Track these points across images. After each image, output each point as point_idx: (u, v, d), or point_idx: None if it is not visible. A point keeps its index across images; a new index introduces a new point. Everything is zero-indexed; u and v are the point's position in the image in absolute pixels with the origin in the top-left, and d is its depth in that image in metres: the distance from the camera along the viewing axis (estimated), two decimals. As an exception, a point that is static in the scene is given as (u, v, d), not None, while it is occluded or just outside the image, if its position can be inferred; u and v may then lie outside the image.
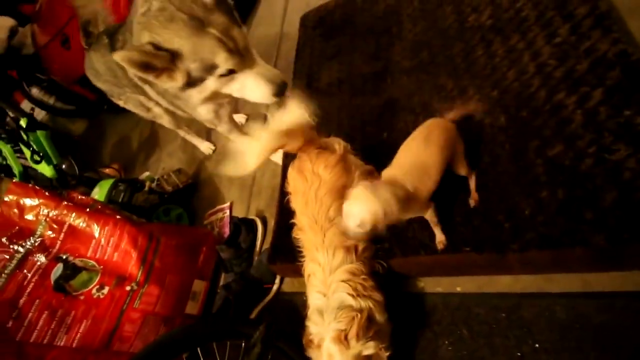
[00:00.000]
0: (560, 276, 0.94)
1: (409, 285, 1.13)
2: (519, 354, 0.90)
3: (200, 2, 0.89)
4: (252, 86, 1.01)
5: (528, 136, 1.02)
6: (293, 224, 1.11)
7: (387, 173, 0.92)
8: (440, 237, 0.99)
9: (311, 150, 1.05)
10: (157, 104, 1.45)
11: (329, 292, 0.93)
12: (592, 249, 0.82)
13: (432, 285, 1.10)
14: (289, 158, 1.62)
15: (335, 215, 0.97)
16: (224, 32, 0.88)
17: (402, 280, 1.14)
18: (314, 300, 0.96)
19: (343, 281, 0.92)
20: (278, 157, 1.68)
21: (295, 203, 1.07)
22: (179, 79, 0.91)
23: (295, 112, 0.97)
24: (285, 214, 1.47)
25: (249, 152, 0.99)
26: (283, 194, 1.53)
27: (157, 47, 0.87)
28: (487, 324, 0.97)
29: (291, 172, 1.10)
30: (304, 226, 1.03)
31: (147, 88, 1.24)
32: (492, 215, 0.96)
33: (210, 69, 0.91)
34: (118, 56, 0.87)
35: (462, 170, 1.00)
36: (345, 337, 0.84)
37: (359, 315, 0.86)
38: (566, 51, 1.11)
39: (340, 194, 0.98)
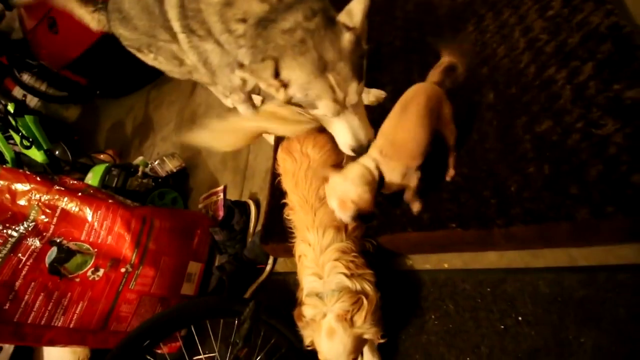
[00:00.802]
0: (546, 251, 0.96)
1: (398, 263, 1.15)
2: (502, 326, 0.92)
3: (339, 46, 0.84)
4: (338, 131, 0.96)
5: (516, 112, 1.01)
6: (285, 204, 1.11)
7: (372, 148, 0.92)
8: (416, 206, 1.02)
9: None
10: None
11: (324, 274, 0.92)
12: (577, 223, 0.83)
13: (421, 262, 1.11)
14: (279, 139, 1.63)
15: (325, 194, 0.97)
16: (340, 82, 0.85)
17: (391, 259, 1.16)
18: (309, 283, 0.95)
19: (335, 260, 0.93)
20: (270, 137, 1.67)
21: (286, 183, 1.08)
22: (281, 97, 0.89)
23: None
24: (276, 195, 1.48)
25: (235, 130, 1.03)
26: (275, 174, 1.54)
27: (276, 71, 0.84)
28: (472, 298, 0.98)
29: (280, 153, 1.10)
30: (294, 206, 1.04)
31: (182, 37, 1.09)
32: (479, 192, 0.96)
33: (310, 105, 0.89)
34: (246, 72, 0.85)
35: (450, 136, 0.99)
36: (351, 318, 0.85)
37: (367, 301, 0.86)
38: (558, 24, 1.08)
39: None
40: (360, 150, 0.95)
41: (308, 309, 0.92)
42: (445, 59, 1.00)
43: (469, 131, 1.07)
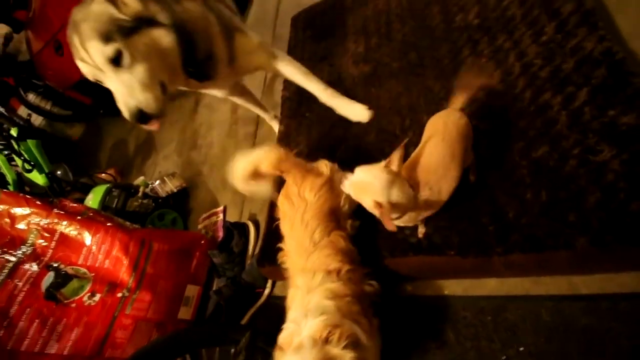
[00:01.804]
0: (547, 278, 0.94)
1: (398, 289, 1.13)
2: (504, 357, 0.90)
3: None
4: (113, 90, 0.91)
5: (513, 138, 1.01)
6: (280, 249, 1.08)
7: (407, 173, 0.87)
8: (421, 229, 1.01)
9: (297, 174, 1.05)
10: None
11: (308, 304, 0.83)
12: (576, 252, 0.81)
13: (421, 288, 1.09)
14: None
15: (320, 238, 0.96)
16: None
17: (391, 284, 1.14)
18: (291, 315, 0.87)
19: (324, 299, 0.83)
20: (275, 126, 1.65)
21: (283, 227, 1.06)
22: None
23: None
24: (275, 217, 1.48)
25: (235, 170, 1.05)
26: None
27: None
28: (473, 326, 0.96)
29: (280, 198, 1.09)
30: (289, 250, 1.02)
31: None
32: (477, 218, 0.95)
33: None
34: None
35: (468, 162, 0.95)
36: (326, 337, 0.74)
37: (345, 329, 0.76)
38: (552, 50, 1.10)
39: (327, 217, 0.99)
40: (139, 116, 0.88)
41: (282, 334, 0.83)
42: (470, 85, 0.96)
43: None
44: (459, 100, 0.95)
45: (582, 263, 0.85)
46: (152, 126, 0.98)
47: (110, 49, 0.85)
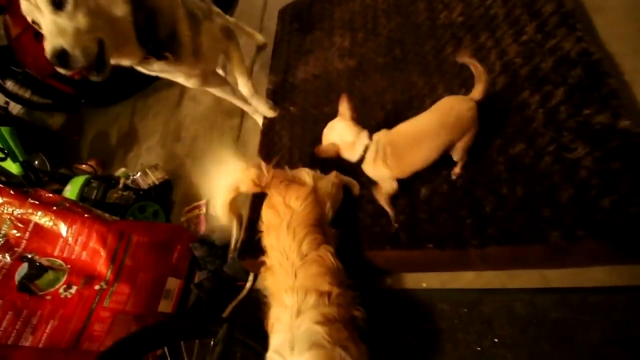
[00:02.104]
0: (521, 272, 0.97)
1: (377, 281, 1.14)
2: (478, 348, 0.92)
3: None
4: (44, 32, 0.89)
5: (492, 134, 1.03)
6: (262, 262, 1.01)
7: (379, 135, 0.97)
8: (391, 212, 1.06)
9: (280, 185, 1.02)
10: None
11: (296, 340, 0.78)
12: (549, 246, 0.84)
13: (400, 281, 1.11)
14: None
15: (308, 251, 0.91)
16: None
17: (370, 277, 1.15)
18: (277, 339, 0.81)
19: (314, 324, 0.79)
20: (259, 119, 1.68)
21: (267, 239, 1.00)
22: None
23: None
24: (257, 210, 1.47)
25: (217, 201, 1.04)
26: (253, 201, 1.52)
27: None
28: (450, 319, 0.98)
29: (263, 209, 1.04)
30: (273, 265, 0.94)
31: None
32: (456, 212, 0.97)
33: None
34: None
35: (458, 155, 0.96)
36: None
37: None
38: (532, 49, 1.12)
39: (314, 227, 0.95)
40: (60, 55, 0.86)
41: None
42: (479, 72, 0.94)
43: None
44: (477, 91, 0.93)
45: (555, 257, 0.87)
46: (70, 73, 0.93)
47: None
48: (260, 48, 2.16)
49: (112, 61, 1.02)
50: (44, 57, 2.52)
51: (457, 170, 1.03)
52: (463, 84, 1.18)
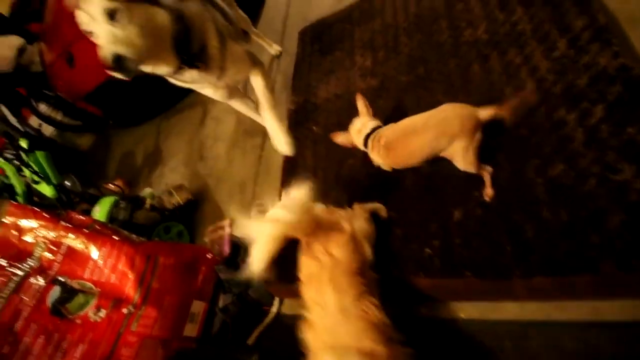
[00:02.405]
0: (569, 303, 0.90)
1: (409, 309, 1.09)
2: (524, 386, 0.86)
3: None
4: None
5: (527, 154, 0.99)
6: (300, 317, 0.97)
7: (382, 129, 1.12)
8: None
9: (318, 232, 0.96)
10: None
11: None
12: (601, 276, 0.78)
13: (434, 310, 1.06)
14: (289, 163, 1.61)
15: (351, 304, 0.84)
16: None
17: (403, 305, 1.10)
18: None
19: None
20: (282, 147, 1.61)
21: (307, 291, 0.94)
22: None
23: (298, 198, 0.92)
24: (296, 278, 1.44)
25: (256, 255, 0.90)
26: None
27: None
28: (492, 354, 0.92)
29: (303, 259, 0.98)
30: (314, 321, 0.88)
31: None
32: (493, 237, 0.93)
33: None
34: None
35: (460, 164, 1.00)
36: None
37: None
38: (565, 65, 1.08)
39: (356, 277, 0.89)
40: (117, 60, 0.95)
41: None
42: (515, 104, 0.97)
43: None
44: (489, 111, 0.96)
45: (608, 288, 0.82)
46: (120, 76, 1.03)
47: (109, 4, 0.96)
48: (276, 57, 2.36)
49: (152, 69, 1.16)
50: (75, 82, 2.68)
51: (488, 190, 0.99)
52: (492, 103, 1.14)
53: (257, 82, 1.45)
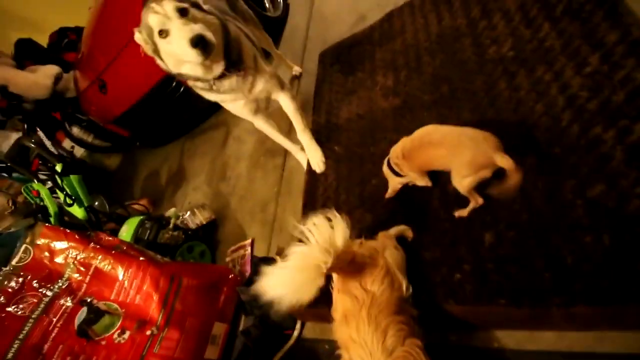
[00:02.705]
0: (613, 334, 0.83)
1: (438, 337, 1.04)
2: None
3: None
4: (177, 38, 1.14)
5: (563, 174, 0.94)
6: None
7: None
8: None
9: (352, 267, 0.91)
10: None
11: None
12: (650, 306, 0.72)
13: (466, 338, 1.00)
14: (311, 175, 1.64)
15: (395, 346, 0.78)
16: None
17: (432, 331, 1.05)
18: None
19: None
20: (303, 159, 1.72)
21: (345, 329, 0.86)
22: None
23: (340, 230, 0.84)
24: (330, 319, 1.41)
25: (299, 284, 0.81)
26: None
27: None
28: (530, 386, 0.86)
29: (337, 295, 0.93)
30: None
31: None
32: (530, 262, 0.88)
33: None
34: None
35: (461, 189, 1.00)
36: None
37: None
38: (599, 81, 1.04)
39: (397, 315, 0.84)
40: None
41: None
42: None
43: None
44: (507, 163, 0.89)
45: (658, 319, 0.75)
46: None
47: (179, 4, 1.12)
48: (296, 77, 2.42)
49: (205, 71, 1.26)
50: (106, 107, 2.84)
51: (462, 212, 1.05)
52: (522, 121, 1.11)
53: (288, 104, 1.56)
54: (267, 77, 1.45)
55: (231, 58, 1.28)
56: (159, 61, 1.27)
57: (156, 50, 1.21)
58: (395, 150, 1.17)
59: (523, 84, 1.18)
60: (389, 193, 1.27)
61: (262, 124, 1.68)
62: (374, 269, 0.91)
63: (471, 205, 1.04)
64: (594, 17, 1.15)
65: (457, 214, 1.07)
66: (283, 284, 0.80)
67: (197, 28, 1.10)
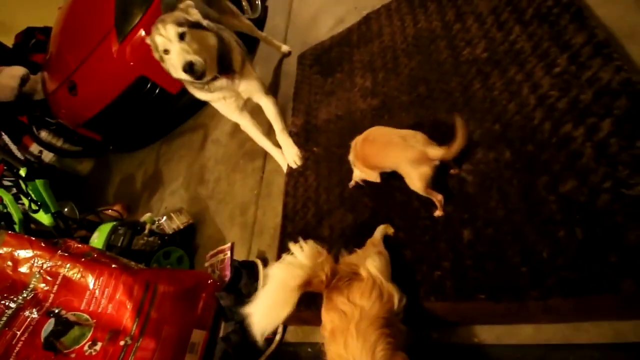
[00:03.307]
0: (588, 324, 0.86)
1: (419, 335, 1.04)
2: (549, 418, 0.80)
3: None
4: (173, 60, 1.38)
5: (536, 171, 0.97)
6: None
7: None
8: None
9: (338, 284, 0.89)
10: None
11: None
12: (622, 295, 0.74)
13: (447, 335, 1.01)
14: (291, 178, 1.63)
15: None
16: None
17: (414, 329, 1.05)
18: None
19: None
20: (283, 161, 1.75)
21: (333, 346, 0.84)
22: None
23: (307, 249, 0.89)
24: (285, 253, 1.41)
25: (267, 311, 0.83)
26: (284, 232, 1.48)
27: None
28: (510, 380, 0.87)
29: (325, 313, 0.90)
30: None
31: None
32: (507, 258, 0.89)
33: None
34: None
35: (415, 189, 1.07)
36: None
37: None
38: (567, 81, 1.08)
39: (385, 328, 0.82)
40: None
41: None
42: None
43: (489, 189, 1.02)
44: (445, 152, 0.99)
45: (629, 307, 0.77)
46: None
47: (180, 29, 1.33)
48: (285, 56, 2.49)
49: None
50: (76, 109, 2.79)
51: (437, 212, 1.07)
52: (496, 120, 1.14)
53: (269, 107, 1.70)
54: (251, 78, 1.62)
55: (224, 64, 1.49)
56: (163, 65, 1.46)
57: (162, 59, 1.43)
58: (351, 148, 1.26)
59: (496, 84, 1.21)
60: (351, 183, 1.35)
61: (247, 124, 1.75)
62: (360, 283, 0.89)
63: (437, 203, 1.07)
64: (561, 20, 1.19)
65: (435, 214, 1.08)
66: (264, 307, 0.82)
67: (189, 57, 1.32)
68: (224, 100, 1.63)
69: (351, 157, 1.27)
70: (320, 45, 2.12)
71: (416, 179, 1.03)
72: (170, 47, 1.34)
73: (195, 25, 1.38)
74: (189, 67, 1.32)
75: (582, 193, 0.88)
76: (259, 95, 1.68)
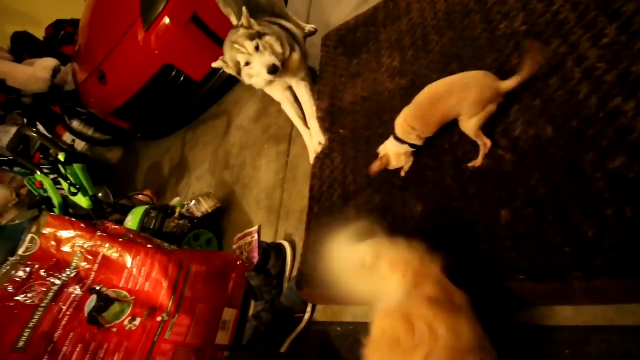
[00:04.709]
0: (633, 306, 0.81)
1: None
2: (592, 400, 0.78)
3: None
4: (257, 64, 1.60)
5: (582, 148, 0.92)
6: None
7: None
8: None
9: (433, 291, 0.73)
10: None
11: None
12: (676, 277, 0.70)
13: (481, 317, 0.99)
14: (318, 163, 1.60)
15: None
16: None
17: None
18: None
19: None
20: (311, 145, 1.76)
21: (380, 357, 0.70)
22: None
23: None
24: (313, 236, 1.42)
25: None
26: (311, 213, 1.49)
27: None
28: (549, 362, 0.85)
29: (386, 316, 0.74)
30: None
31: None
32: (549, 239, 0.85)
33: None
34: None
35: (470, 133, 1.07)
36: None
37: None
38: (617, 52, 1.00)
39: None
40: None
41: None
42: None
43: (529, 167, 0.98)
44: (518, 79, 1.01)
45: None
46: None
47: (254, 43, 1.56)
48: (310, 34, 2.46)
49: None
50: (105, 99, 2.92)
51: (477, 161, 1.07)
52: (536, 95, 1.08)
53: (302, 92, 1.82)
54: (297, 63, 1.75)
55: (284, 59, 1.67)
56: (238, 76, 1.69)
57: (238, 72, 1.65)
58: (407, 121, 1.19)
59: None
60: (374, 168, 1.26)
61: (288, 105, 1.87)
62: (451, 311, 0.70)
63: (482, 151, 1.07)
64: (610, -14, 1.11)
65: (470, 165, 1.08)
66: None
67: (270, 59, 1.56)
68: (276, 82, 1.78)
69: (411, 127, 1.17)
70: (345, 26, 2.08)
71: (478, 119, 1.04)
72: (252, 60, 1.58)
73: (259, 35, 1.59)
74: (273, 69, 1.56)
75: (632, 170, 0.82)
76: (296, 79, 1.80)
